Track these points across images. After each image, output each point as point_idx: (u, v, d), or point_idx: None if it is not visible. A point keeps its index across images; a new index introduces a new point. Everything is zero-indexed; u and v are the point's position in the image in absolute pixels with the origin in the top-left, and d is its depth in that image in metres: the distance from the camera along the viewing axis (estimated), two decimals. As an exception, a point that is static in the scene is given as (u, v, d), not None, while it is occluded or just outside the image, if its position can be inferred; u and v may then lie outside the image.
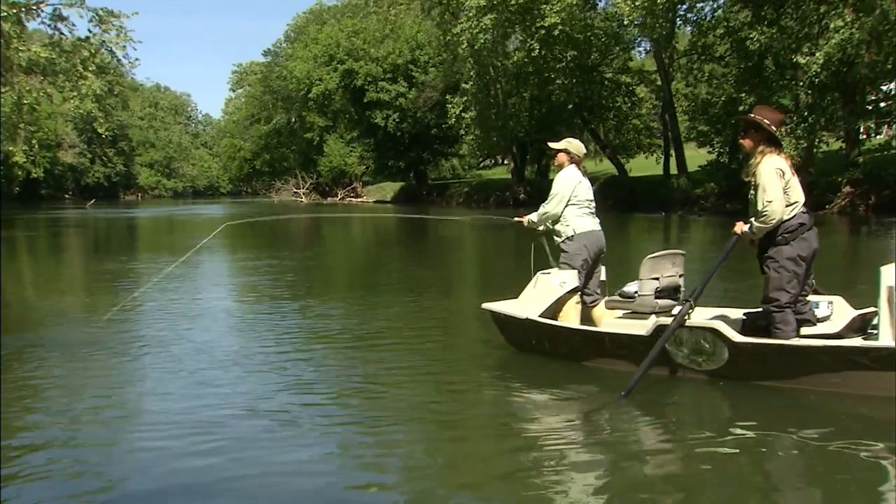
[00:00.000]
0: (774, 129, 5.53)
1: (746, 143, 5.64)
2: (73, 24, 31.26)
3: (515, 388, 6.06)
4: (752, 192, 5.53)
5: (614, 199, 40.78)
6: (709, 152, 36.58)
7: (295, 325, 8.68)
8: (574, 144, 6.89)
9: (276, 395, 5.67)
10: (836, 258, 15.30)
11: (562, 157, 6.83)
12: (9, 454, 4.52)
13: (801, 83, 26.64)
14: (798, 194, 5.53)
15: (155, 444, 4.73)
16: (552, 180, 6.94)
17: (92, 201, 74.52)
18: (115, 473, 4.34)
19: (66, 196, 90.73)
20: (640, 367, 5.43)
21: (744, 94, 28.72)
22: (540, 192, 35.75)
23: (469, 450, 4.74)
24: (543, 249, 7.03)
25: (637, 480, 4.16)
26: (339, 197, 69.25)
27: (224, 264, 17.48)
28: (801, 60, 25.21)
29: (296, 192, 75.78)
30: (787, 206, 5.44)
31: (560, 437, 4.86)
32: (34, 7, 29.04)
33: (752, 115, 5.66)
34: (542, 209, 6.83)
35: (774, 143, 5.56)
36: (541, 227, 6.95)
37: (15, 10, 27.68)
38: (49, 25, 29.87)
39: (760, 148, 5.52)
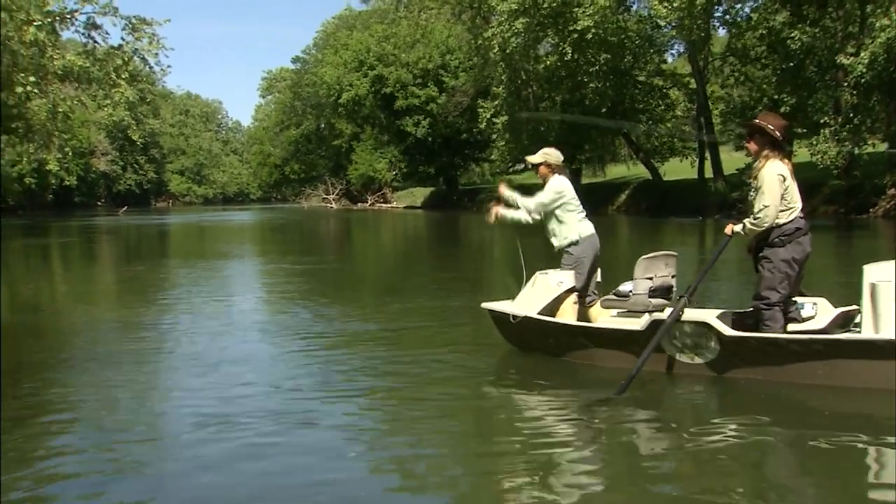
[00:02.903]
0: (778, 134, 5.76)
1: (751, 146, 5.91)
2: (107, 33, 31.38)
3: (516, 385, 6.34)
4: (752, 193, 5.83)
5: (648, 203, 40.29)
6: (746, 155, 35.83)
7: (319, 330, 8.79)
8: (552, 155, 6.97)
9: (298, 399, 5.75)
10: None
11: (543, 169, 6.97)
12: (38, 463, 4.59)
13: (846, 84, 25.90)
14: (796, 200, 5.78)
15: (181, 448, 4.82)
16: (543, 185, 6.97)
17: (124, 208, 75.28)
18: (145, 476, 4.40)
19: (99, 203, 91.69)
20: (637, 361, 5.60)
21: (785, 96, 28.02)
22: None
23: (473, 444, 4.91)
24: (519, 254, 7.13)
25: (635, 473, 4.31)
26: (369, 203, 69.21)
27: (252, 269, 17.32)
28: (845, 61, 24.52)
29: (325, 199, 75.92)
30: (784, 210, 5.72)
31: (560, 431, 5.07)
32: (68, 16, 29.16)
33: (757, 121, 5.93)
34: (535, 199, 6.85)
35: (778, 148, 5.80)
36: (517, 216, 6.94)
37: (49, 19, 27.80)
38: (83, 34, 29.98)
39: (765, 152, 5.78)
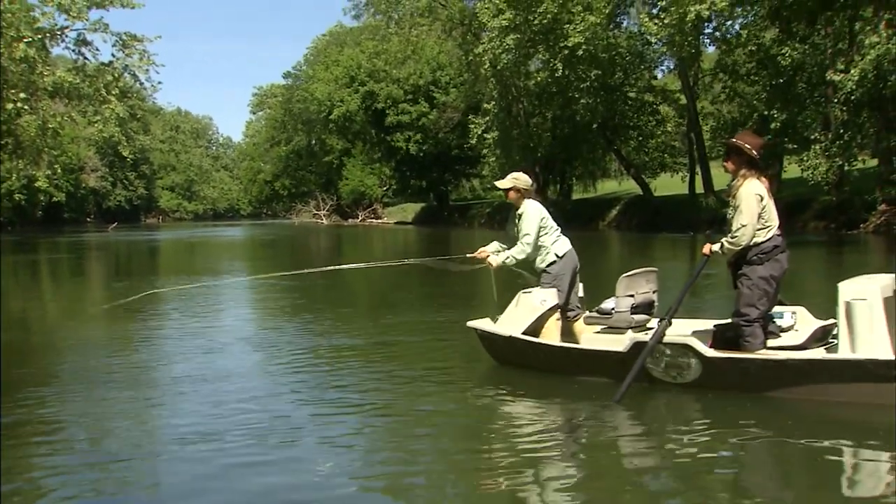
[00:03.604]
0: (755, 153, 5.85)
1: (729, 165, 5.97)
2: (97, 49, 31.19)
3: (503, 398, 6.35)
4: (730, 211, 5.92)
5: (639, 218, 40.34)
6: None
7: (307, 345, 8.77)
8: (521, 179, 7.07)
9: (285, 415, 5.76)
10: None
11: (512, 194, 7.06)
12: (21, 482, 4.61)
13: (836, 100, 26.06)
14: (774, 218, 5.87)
15: (169, 466, 4.85)
16: (519, 215, 7.03)
17: (114, 224, 74.90)
18: (132, 495, 4.42)
19: (88, 219, 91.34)
20: (624, 381, 5.71)
21: (775, 112, 28.16)
22: (564, 212, 34.99)
23: (461, 457, 4.90)
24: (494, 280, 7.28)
25: (624, 485, 4.37)
26: (360, 218, 69.18)
27: (241, 285, 17.19)
28: (835, 78, 24.66)
29: (316, 214, 75.91)
30: (762, 228, 5.81)
31: (547, 443, 5.07)
32: (59, 33, 29.11)
33: (735, 140, 6.03)
34: (518, 252, 6.94)
35: (755, 167, 5.89)
36: (513, 259, 7.01)
37: (39, 36, 27.74)
38: (73, 50, 29.95)
39: (742, 171, 5.86)
